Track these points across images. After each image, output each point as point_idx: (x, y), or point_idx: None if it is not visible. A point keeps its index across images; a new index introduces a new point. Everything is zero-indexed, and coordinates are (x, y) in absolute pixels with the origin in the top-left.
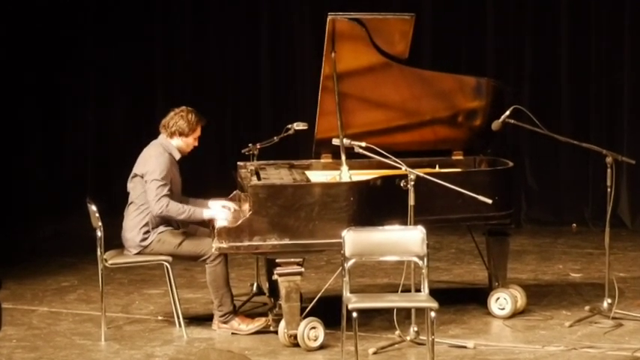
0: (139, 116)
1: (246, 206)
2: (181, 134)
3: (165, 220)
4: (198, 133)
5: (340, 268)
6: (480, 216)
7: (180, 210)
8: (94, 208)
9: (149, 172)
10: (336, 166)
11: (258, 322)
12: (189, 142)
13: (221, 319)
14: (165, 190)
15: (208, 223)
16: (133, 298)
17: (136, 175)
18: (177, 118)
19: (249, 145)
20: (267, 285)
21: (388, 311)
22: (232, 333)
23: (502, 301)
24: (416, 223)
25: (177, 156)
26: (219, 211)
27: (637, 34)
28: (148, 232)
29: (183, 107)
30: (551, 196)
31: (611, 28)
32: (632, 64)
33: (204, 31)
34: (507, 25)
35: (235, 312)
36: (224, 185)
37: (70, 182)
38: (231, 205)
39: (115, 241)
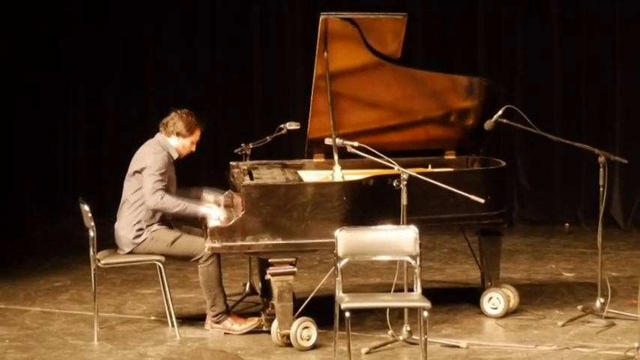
0: (130, 116)
1: (238, 205)
2: (179, 134)
3: (159, 219)
4: (196, 137)
5: (333, 267)
6: (473, 215)
7: (176, 203)
8: (86, 208)
9: (147, 167)
10: (329, 166)
11: (251, 322)
12: (186, 145)
13: (214, 319)
14: (162, 185)
15: (201, 222)
16: (125, 298)
17: (134, 173)
18: (177, 118)
19: (242, 144)
20: (260, 285)
21: (381, 311)
22: (225, 333)
23: (495, 301)
24: (408, 222)
25: (175, 155)
26: (214, 209)
27: (628, 33)
28: (141, 229)
29: (185, 109)
30: (544, 196)
31: (602, 27)
32: (624, 63)
33: (196, 31)
34: (499, 25)
35: (228, 312)
36: (217, 185)
37: (62, 182)
38: (222, 199)
39: (107, 241)
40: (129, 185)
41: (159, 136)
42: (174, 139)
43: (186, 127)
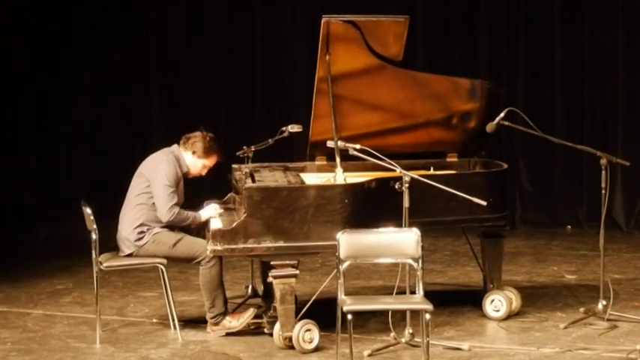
0: (133, 119)
1: (241, 209)
2: (194, 153)
3: (159, 222)
4: (210, 162)
5: (335, 270)
6: (475, 218)
7: (185, 217)
8: (88, 210)
9: (159, 177)
10: (331, 169)
11: (248, 314)
12: (197, 165)
13: (212, 321)
14: (175, 198)
15: (204, 225)
16: (127, 300)
17: (141, 174)
18: (200, 138)
19: (244, 147)
20: (262, 287)
21: (383, 313)
22: (227, 334)
23: (497, 303)
24: (410, 225)
25: (185, 168)
26: (210, 208)
27: (631, 35)
28: (142, 232)
29: (211, 134)
30: (546, 198)
31: (605, 28)
32: (626, 65)
33: (198, 33)
34: (501, 27)
35: (226, 314)
36: (219, 188)
37: (64, 185)
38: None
39: (109, 244)
40: (133, 185)
41: (175, 147)
42: (189, 155)
43: (204, 149)
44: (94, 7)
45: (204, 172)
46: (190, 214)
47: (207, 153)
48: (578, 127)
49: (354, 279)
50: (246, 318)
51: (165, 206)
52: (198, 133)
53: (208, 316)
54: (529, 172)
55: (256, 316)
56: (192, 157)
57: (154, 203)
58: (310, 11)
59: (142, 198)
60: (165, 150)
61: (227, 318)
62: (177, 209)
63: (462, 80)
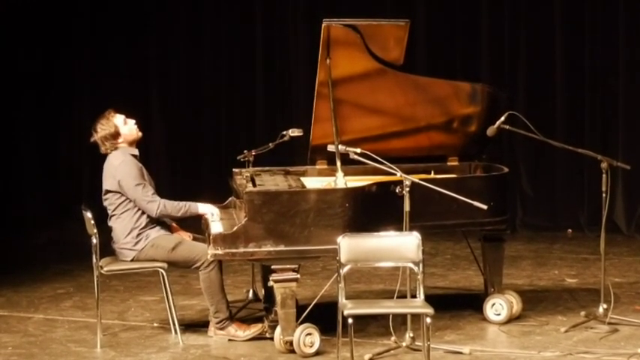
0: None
1: (241, 213)
2: (117, 134)
3: (153, 224)
4: (125, 120)
5: (336, 274)
6: (476, 222)
7: (178, 207)
8: (89, 215)
9: (124, 180)
10: (332, 173)
11: (255, 328)
12: (126, 134)
13: (217, 326)
14: (151, 189)
15: (205, 229)
16: (128, 305)
17: (108, 192)
18: (99, 130)
19: (245, 151)
20: (263, 291)
21: (384, 317)
22: (229, 339)
23: (498, 307)
24: (411, 229)
25: (135, 152)
26: (209, 206)
27: (631, 38)
28: (137, 235)
29: (98, 122)
30: (547, 202)
31: (605, 32)
32: (627, 69)
33: (199, 37)
34: (502, 31)
35: (232, 318)
36: (219, 192)
37: (65, 189)
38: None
39: (110, 248)
40: (109, 203)
41: (112, 153)
42: (120, 143)
43: (116, 124)
44: (95, 7)
45: (136, 129)
46: (182, 203)
47: (120, 124)
48: (578, 130)
49: (355, 283)
50: (252, 332)
51: (146, 201)
52: (98, 132)
53: (213, 320)
54: (530, 175)
55: (257, 320)
56: (122, 140)
57: (129, 210)
58: (311, 15)
59: (119, 210)
60: (112, 155)
61: (233, 326)
62: (159, 199)
63: (462, 84)
